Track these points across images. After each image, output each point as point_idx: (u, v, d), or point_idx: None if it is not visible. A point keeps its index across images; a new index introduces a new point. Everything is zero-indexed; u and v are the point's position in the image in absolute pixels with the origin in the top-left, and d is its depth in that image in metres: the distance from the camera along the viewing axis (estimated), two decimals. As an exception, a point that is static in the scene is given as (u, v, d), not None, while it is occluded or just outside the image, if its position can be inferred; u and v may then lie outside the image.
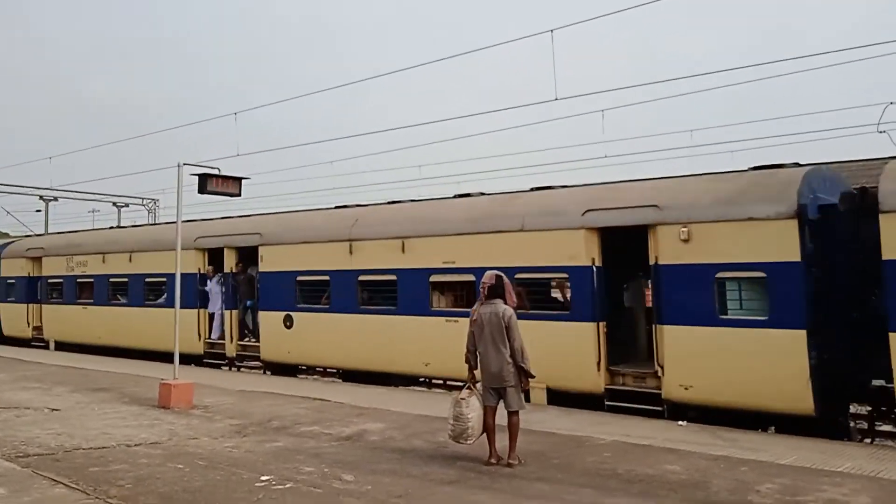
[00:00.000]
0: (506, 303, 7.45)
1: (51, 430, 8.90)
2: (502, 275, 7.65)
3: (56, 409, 10.45)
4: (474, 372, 7.59)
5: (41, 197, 46.00)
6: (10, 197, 45.17)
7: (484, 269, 7.85)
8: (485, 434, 7.38)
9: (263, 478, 6.70)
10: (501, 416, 7.40)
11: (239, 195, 12.13)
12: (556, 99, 14.98)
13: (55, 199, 46.55)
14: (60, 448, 7.94)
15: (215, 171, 11.78)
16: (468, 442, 7.39)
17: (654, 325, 10.18)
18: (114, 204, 49.02)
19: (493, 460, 7.27)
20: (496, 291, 7.48)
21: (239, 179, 12.05)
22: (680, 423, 9.57)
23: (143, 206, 49.39)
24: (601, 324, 10.57)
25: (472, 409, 7.32)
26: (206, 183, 11.67)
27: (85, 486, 6.37)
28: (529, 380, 7.45)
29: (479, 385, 7.51)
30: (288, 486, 6.45)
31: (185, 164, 11.59)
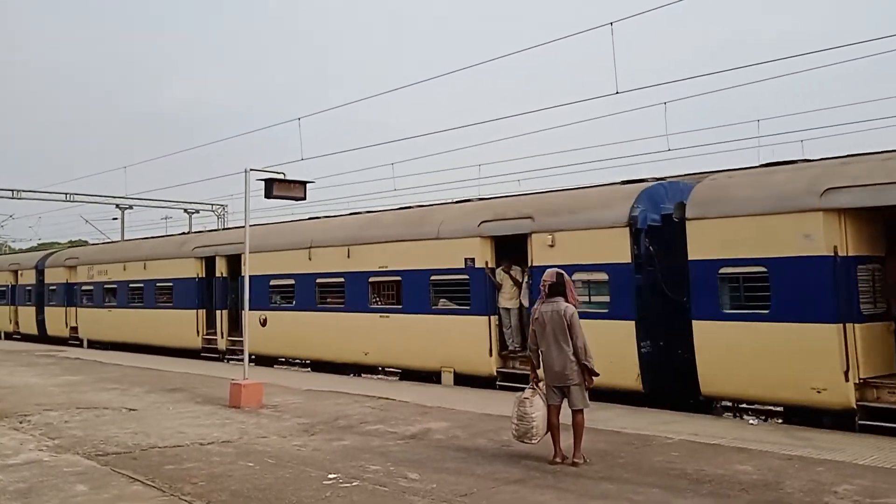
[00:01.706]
0: (567, 300, 7.37)
1: (128, 430, 9.25)
2: (563, 272, 7.58)
3: (133, 409, 10.85)
4: (537, 371, 7.55)
5: (117, 205, 47.86)
6: (89, 206, 47.13)
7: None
8: (549, 433, 7.32)
9: (331, 476, 6.82)
10: (565, 416, 7.34)
11: (304, 199, 12.34)
12: (617, 92, 14.74)
13: (130, 207, 48.33)
14: (137, 447, 8.24)
15: (281, 176, 12.03)
16: (532, 441, 7.34)
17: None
18: (185, 210, 50.63)
19: (557, 459, 7.20)
20: (557, 289, 7.42)
21: (304, 183, 12.25)
22: (751, 421, 9.31)
23: (213, 211, 50.84)
24: (493, 317, 12.73)
25: (536, 408, 7.28)
26: (272, 188, 11.91)
27: (160, 483, 6.59)
28: (593, 378, 7.35)
29: (542, 384, 7.46)
30: (354, 484, 6.54)
31: (251, 169, 11.88)
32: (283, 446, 8.24)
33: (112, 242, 31.89)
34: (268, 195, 12.04)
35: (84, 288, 25.10)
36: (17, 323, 30.36)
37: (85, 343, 24.69)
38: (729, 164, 11.59)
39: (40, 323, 27.79)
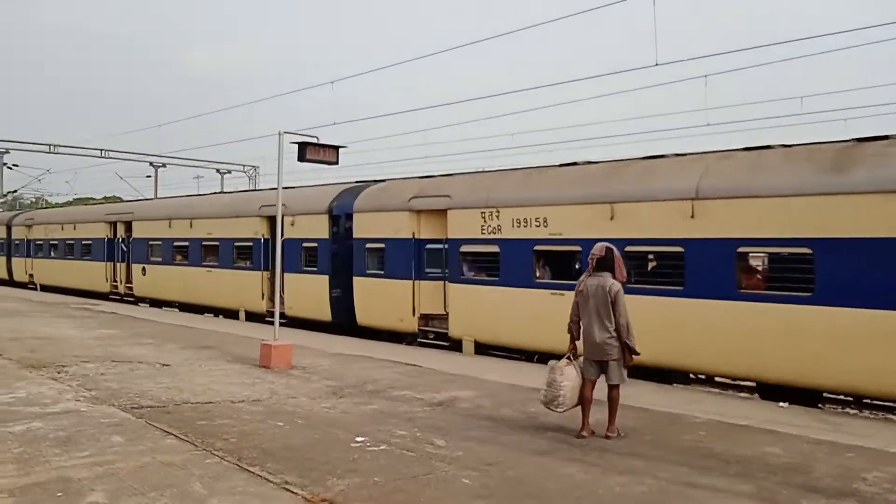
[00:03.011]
0: (614, 276, 7.33)
1: (162, 384, 9.46)
2: (613, 247, 7.51)
3: (166, 365, 11.08)
4: (576, 343, 7.53)
5: (151, 163, 48.43)
6: (123, 163, 47.77)
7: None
8: (578, 406, 7.34)
9: (358, 439, 6.92)
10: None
11: (336, 163, 12.38)
12: (657, 64, 14.47)
13: (163, 165, 48.87)
14: (171, 401, 8.43)
15: (314, 140, 12.06)
16: (559, 410, 7.37)
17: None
18: (217, 170, 51.03)
19: (584, 433, 7.23)
20: (605, 264, 7.37)
21: (336, 148, 12.28)
22: (781, 404, 9.23)
23: (245, 172, 51.20)
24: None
25: (567, 377, 7.28)
26: (305, 151, 11.95)
27: (193, 438, 6.74)
28: (633, 356, 7.33)
29: (581, 358, 7.46)
30: (382, 448, 6.64)
31: (285, 132, 11.90)
32: (312, 408, 8.38)
33: (151, 199, 33.74)
34: (301, 158, 12.09)
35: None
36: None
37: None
38: (770, 139, 11.19)
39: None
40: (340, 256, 16.85)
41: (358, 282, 16.22)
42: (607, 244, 7.56)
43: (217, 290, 20.71)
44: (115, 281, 25.99)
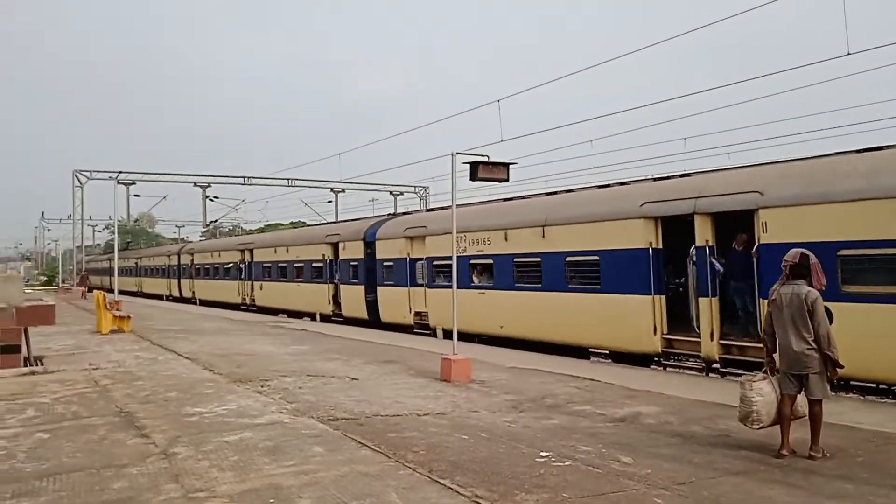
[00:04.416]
0: (811, 284, 6.85)
1: (353, 397, 10.02)
2: (809, 253, 7.02)
3: (355, 379, 11.73)
4: (773, 356, 7.10)
5: (332, 189, 51.64)
6: (307, 191, 51.34)
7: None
8: (778, 424, 6.89)
9: (543, 454, 6.93)
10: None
11: (507, 180, 12.54)
12: (849, 54, 13.34)
13: (343, 190, 51.93)
14: (362, 414, 8.91)
15: (485, 159, 12.31)
16: (754, 427, 6.97)
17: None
18: (390, 192, 53.38)
19: (784, 452, 6.77)
20: (800, 271, 6.91)
21: (507, 165, 12.45)
22: None
23: (416, 193, 53.12)
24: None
25: (759, 393, 6.88)
26: (477, 170, 12.23)
27: (386, 449, 7.07)
28: (837, 369, 6.79)
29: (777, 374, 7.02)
30: (567, 463, 6.60)
31: (457, 153, 12.25)
32: (495, 421, 8.50)
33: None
34: (473, 177, 12.38)
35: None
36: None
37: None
38: None
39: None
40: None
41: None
42: (802, 250, 7.07)
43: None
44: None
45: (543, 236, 15.64)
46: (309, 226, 41.90)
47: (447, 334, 16.22)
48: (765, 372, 7.03)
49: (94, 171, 46.09)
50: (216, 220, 59.71)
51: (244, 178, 48.25)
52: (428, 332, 19.52)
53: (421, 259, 19.94)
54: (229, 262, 35.68)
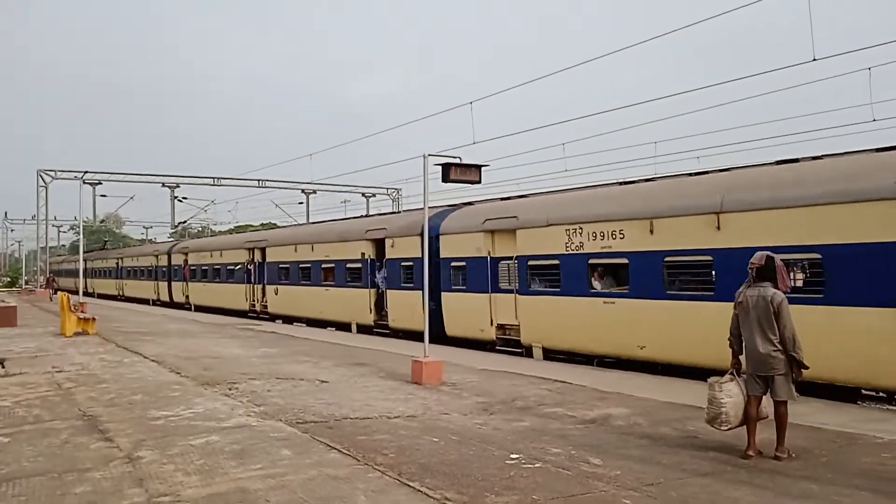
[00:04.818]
0: (776, 287, 6.94)
1: (322, 400, 9.92)
2: (774, 256, 7.12)
3: (325, 381, 11.62)
4: (738, 358, 7.17)
5: (303, 191, 51.25)
6: (278, 191, 50.91)
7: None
8: (745, 425, 6.97)
9: (513, 456, 6.92)
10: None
11: (479, 182, 12.57)
12: (815, 59, 13.57)
13: (314, 192, 51.60)
14: (332, 417, 8.82)
15: (456, 161, 12.30)
16: (723, 428, 7.04)
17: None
18: (363, 194, 53.16)
19: (750, 452, 6.84)
20: (765, 274, 6.99)
21: (479, 167, 12.47)
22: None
23: (388, 195, 52.96)
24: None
25: (728, 394, 6.95)
26: (449, 172, 12.22)
27: (355, 452, 7.00)
28: (801, 371, 6.88)
29: (743, 374, 7.10)
30: (537, 465, 6.60)
31: (429, 154, 12.23)
32: (465, 424, 8.48)
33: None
34: (445, 179, 12.36)
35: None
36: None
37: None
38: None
39: None
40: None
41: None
42: (767, 253, 7.17)
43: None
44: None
45: (718, 227, 11.52)
46: (291, 227, 36.76)
47: (549, 353, 14.20)
48: (731, 374, 7.11)
49: (59, 171, 45.27)
50: (185, 221, 58.96)
51: (213, 178, 47.75)
52: (518, 350, 15.44)
53: (507, 258, 15.90)
54: (235, 263, 30.94)
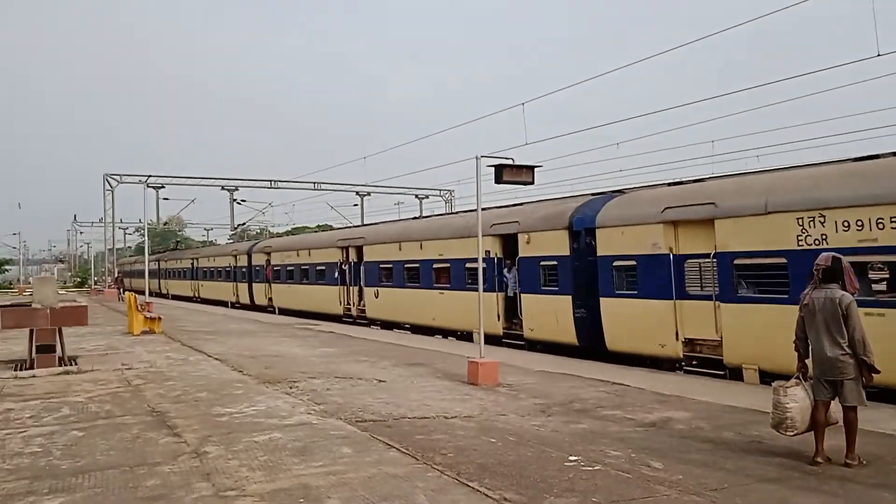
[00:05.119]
0: (844, 288, 6.74)
1: (380, 399, 10.04)
2: (841, 257, 6.92)
3: (382, 381, 11.75)
4: (805, 361, 6.99)
5: (357, 193, 51.86)
6: (333, 194, 51.65)
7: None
8: (812, 431, 6.78)
9: (572, 458, 6.89)
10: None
11: (532, 183, 12.52)
12: (879, 55, 13.10)
13: (368, 193, 52.16)
14: (390, 416, 8.92)
15: (509, 162, 12.29)
16: (788, 434, 6.86)
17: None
18: (416, 196, 53.49)
19: (819, 459, 6.65)
20: (833, 275, 6.80)
21: (532, 168, 12.42)
22: None
23: (441, 196, 53.17)
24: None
25: (794, 399, 6.77)
26: (502, 173, 12.21)
27: (414, 451, 7.08)
28: (872, 375, 6.66)
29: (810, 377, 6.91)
30: (597, 468, 6.55)
31: (482, 156, 12.25)
32: (523, 425, 8.46)
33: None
34: (498, 180, 12.35)
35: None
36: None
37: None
38: None
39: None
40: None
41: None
42: (834, 254, 6.96)
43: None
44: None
45: None
46: (338, 228, 35.91)
47: (766, 376, 10.82)
48: (797, 378, 6.92)
49: (125, 175, 46.85)
50: (244, 223, 60.34)
51: (271, 181, 48.74)
52: (718, 371, 12.45)
53: (699, 256, 12.81)
54: (326, 263, 28.03)
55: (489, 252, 17.95)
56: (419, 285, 21.44)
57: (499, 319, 17.82)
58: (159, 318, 21.17)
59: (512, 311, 17.73)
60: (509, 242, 17.90)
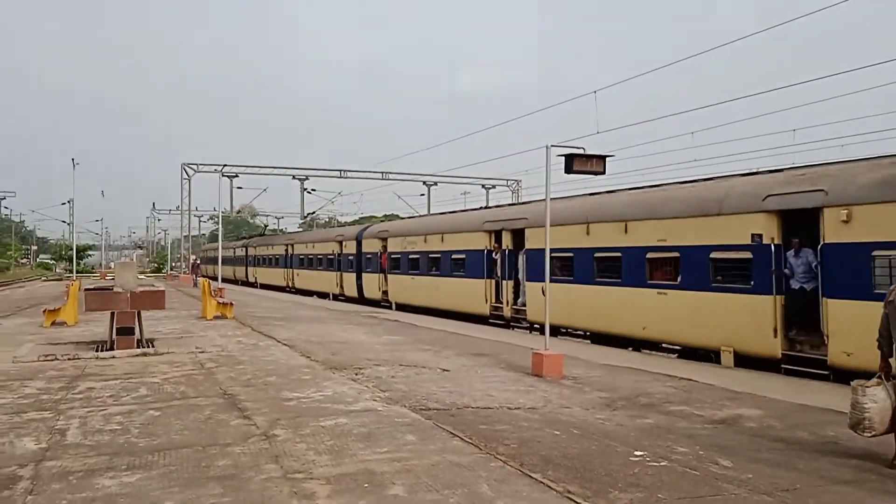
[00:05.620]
0: None
1: (444, 388, 10.10)
2: None
3: (446, 370, 11.82)
4: (888, 360, 6.69)
5: (424, 182, 52.17)
6: (400, 183, 52.10)
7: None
8: (891, 432, 6.50)
9: (637, 453, 6.79)
10: None
11: (603, 173, 12.31)
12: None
13: (435, 183, 52.38)
14: (453, 405, 8.97)
15: (580, 151, 12.12)
16: (865, 434, 6.60)
17: None
18: (482, 186, 53.42)
19: (898, 462, 6.37)
20: None
21: (603, 158, 12.23)
22: None
23: (508, 186, 52.94)
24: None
25: (874, 399, 6.49)
26: (573, 163, 12.06)
27: (477, 441, 7.10)
28: None
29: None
30: (663, 464, 6.44)
31: (552, 145, 12.12)
32: (587, 418, 8.38)
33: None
34: (568, 170, 12.21)
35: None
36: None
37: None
38: None
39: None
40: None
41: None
42: None
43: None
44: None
45: None
46: (480, 209, 27.62)
47: None
48: (879, 377, 6.63)
49: (201, 164, 48.38)
50: (313, 212, 61.52)
51: (340, 171, 49.52)
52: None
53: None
54: (468, 250, 22.64)
55: (769, 235, 12.51)
56: (613, 280, 16.03)
57: (775, 332, 12.35)
58: (231, 304, 21.84)
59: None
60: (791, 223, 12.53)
